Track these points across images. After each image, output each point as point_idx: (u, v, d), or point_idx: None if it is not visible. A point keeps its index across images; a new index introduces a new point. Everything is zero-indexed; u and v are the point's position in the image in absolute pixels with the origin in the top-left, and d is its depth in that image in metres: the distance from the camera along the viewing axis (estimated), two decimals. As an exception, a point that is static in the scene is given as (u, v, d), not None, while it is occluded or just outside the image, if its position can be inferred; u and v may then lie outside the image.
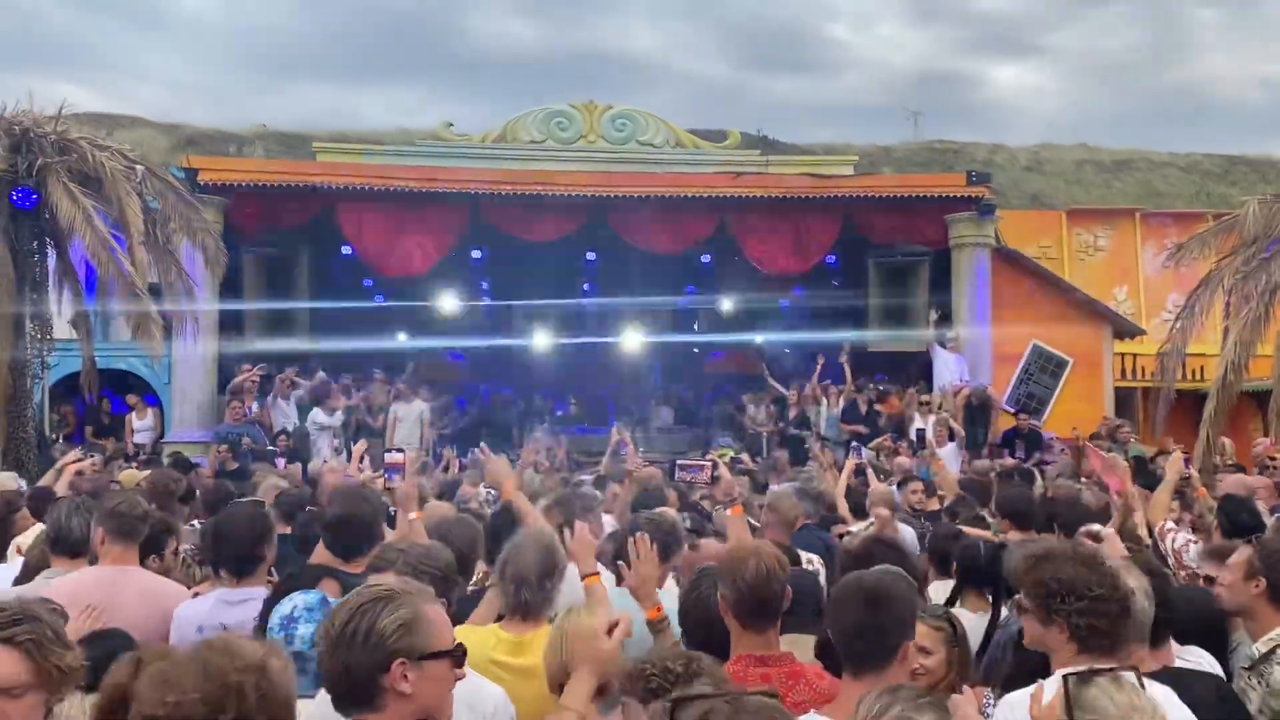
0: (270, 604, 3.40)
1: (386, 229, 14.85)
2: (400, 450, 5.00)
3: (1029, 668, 2.88)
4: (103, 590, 3.79)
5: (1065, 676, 2.28)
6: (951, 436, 12.40)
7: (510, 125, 16.05)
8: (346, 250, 15.49)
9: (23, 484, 8.03)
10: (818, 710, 2.67)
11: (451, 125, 16.42)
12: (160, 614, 3.78)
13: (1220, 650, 3.70)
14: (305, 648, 2.88)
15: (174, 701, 1.75)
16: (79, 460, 7.12)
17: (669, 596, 3.78)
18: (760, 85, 71.83)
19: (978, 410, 13.89)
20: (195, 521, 6.30)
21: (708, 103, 64.60)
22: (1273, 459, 10.25)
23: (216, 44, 70.86)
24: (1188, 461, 6.31)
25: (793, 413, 14.80)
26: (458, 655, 2.18)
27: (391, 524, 4.60)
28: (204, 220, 12.80)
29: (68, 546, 4.33)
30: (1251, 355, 11.83)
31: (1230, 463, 11.56)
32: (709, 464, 5.20)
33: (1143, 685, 2.31)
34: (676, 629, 3.56)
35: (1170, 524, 5.15)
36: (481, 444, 6.48)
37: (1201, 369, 15.28)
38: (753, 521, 5.65)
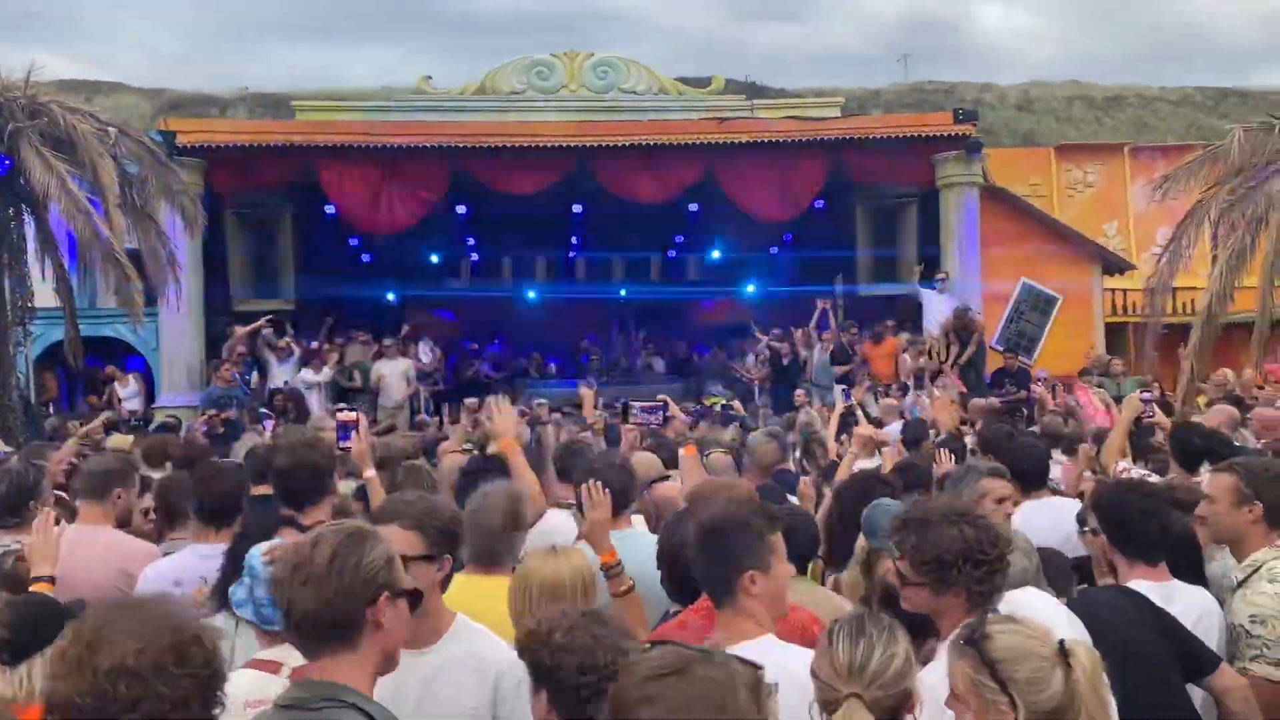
0: (232, 553, 3.38)
1: (368, 186, 14.74)
2: (352, 408, 4.96)
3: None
4: (65, 549, 3.77)
5: (963, 644, 2.18)
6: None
7: (490, 77, 15.86)
8: (330, 209, 15.40)
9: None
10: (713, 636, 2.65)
11: (430, 79, 16.23)
12: (120, 574, 3.76)
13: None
14: None
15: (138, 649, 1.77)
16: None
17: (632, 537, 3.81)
18: (747, 34, 70.92)
19: (960, 333, 13.81)
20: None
21: (694, 53, 63.75)
22: (1260, 387, 10.27)
23: (197, 7, 69.88)
24: (1148, 399, 6.26)
25: (785, 360, 14.77)
26: (418, 598, 2.21)
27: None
28: (182, 182, 12.71)
29: None
30: (1237, 286, 11.76)
31: (1235, 394, 11.44)
32: (661, 404, 5.19)
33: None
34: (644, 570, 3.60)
35: (1124, 464, 5.17)
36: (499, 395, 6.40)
37: (1192, 302, 15.21)
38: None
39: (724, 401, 13.89)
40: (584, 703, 2.21)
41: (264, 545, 3.01)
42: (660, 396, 5.43)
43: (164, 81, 24.08)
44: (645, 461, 5.48)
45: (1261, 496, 3.56)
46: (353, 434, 4.40)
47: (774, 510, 2.87)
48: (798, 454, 7.89)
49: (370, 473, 4.21)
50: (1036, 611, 2.75)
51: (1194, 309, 13.91)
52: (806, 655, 2.63)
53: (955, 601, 2.61)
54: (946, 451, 5.62)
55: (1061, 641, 2.06)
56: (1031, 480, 4.81)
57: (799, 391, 13.56)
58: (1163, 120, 22.92)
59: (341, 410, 4.86)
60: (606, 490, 3.53)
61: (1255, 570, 3.45)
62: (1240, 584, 3.47)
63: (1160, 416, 6.57)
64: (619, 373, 17.94)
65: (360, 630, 2.08)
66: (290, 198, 15.41)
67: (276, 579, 2.15)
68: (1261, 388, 10.16)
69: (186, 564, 3.89)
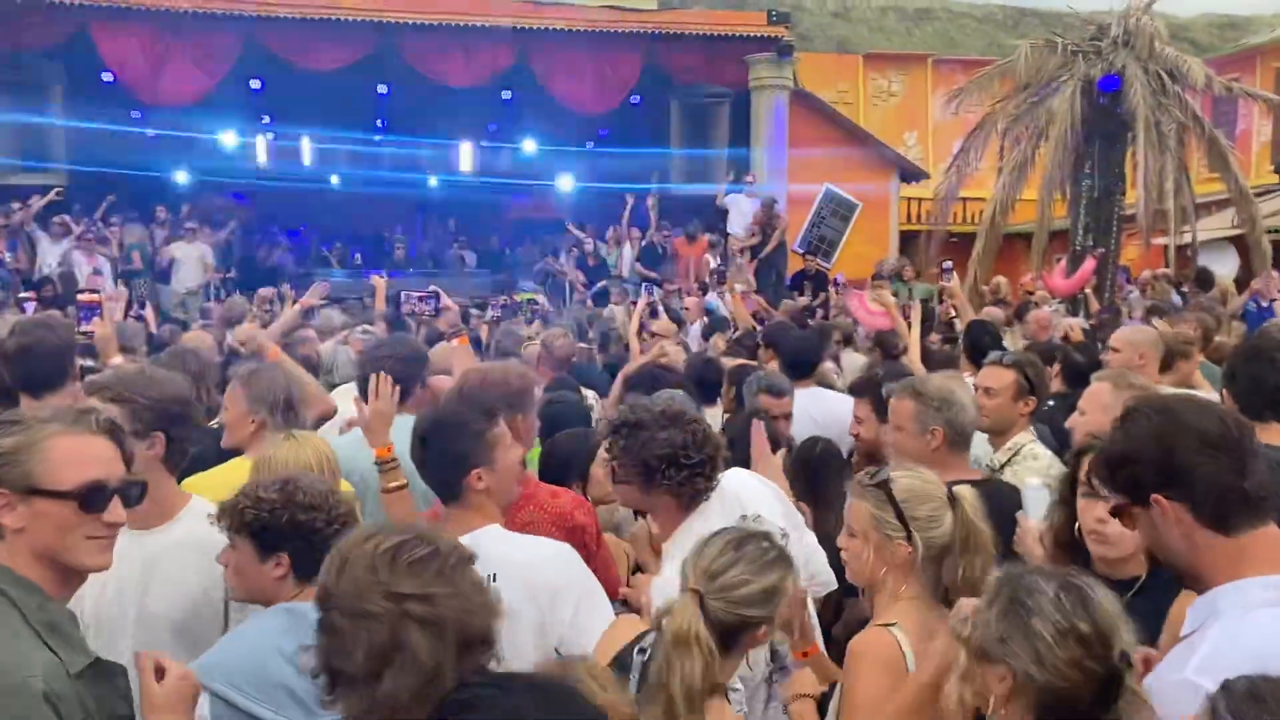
0: None
1: (150, 53, 13.62)
2: (95, 290, 4.59)
3: None
4: None
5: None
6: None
7: (288, -59, 14.71)
8: (108, 77, 14.13)
9: None
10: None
11: (221, -61, 14.93)
12: None
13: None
14: None
15: None
16: None
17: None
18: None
19: (765, 227, 14.17)
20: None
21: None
22: (1030, 293, 10.98)
23: None
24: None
25: (590, 261, 14.85)
26: (79, 498, 1.91)
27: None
28: (-75, 39, 11.34)
29: None
30: (1020, 198, 12.46)
31: (1002, 299, 12.20)
32: (433, 295, 5.08)
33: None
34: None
35: None
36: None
37: (981, 212, 16.04)
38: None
39: (532, 297, 13.84)
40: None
41: None
42: (432, 287, 5.27)
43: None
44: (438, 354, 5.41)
45: (1036, 392, 3.83)
46: (95, 317, 4.06)
47: (492, 406, 2.82)
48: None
49: (117, 359, 3.90)
50: (746, 489, 2.88)
51: (981, 219, 14.70)
52: (531, 544, 2.69)
53: (663, 500, 2.72)
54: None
55: (949, 486, 2.24)
56: (798, 370, 5.03)
57: (614, 290, 13.66)
58: (968, 35, 23.77)
59: (83, 292, 4.46)
60: (396, 386, 3.40)
61: (1017, 452, 3.72)
62: (1005, 464, 3.71)
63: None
64: (429, 265, 17.48)
65: None
66: (61, 62, 14.04)
67: None
68: (1031, 293, 10.84)
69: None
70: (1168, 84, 11.37)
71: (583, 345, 6.92)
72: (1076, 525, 2.44)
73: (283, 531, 2.30)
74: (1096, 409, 3.31)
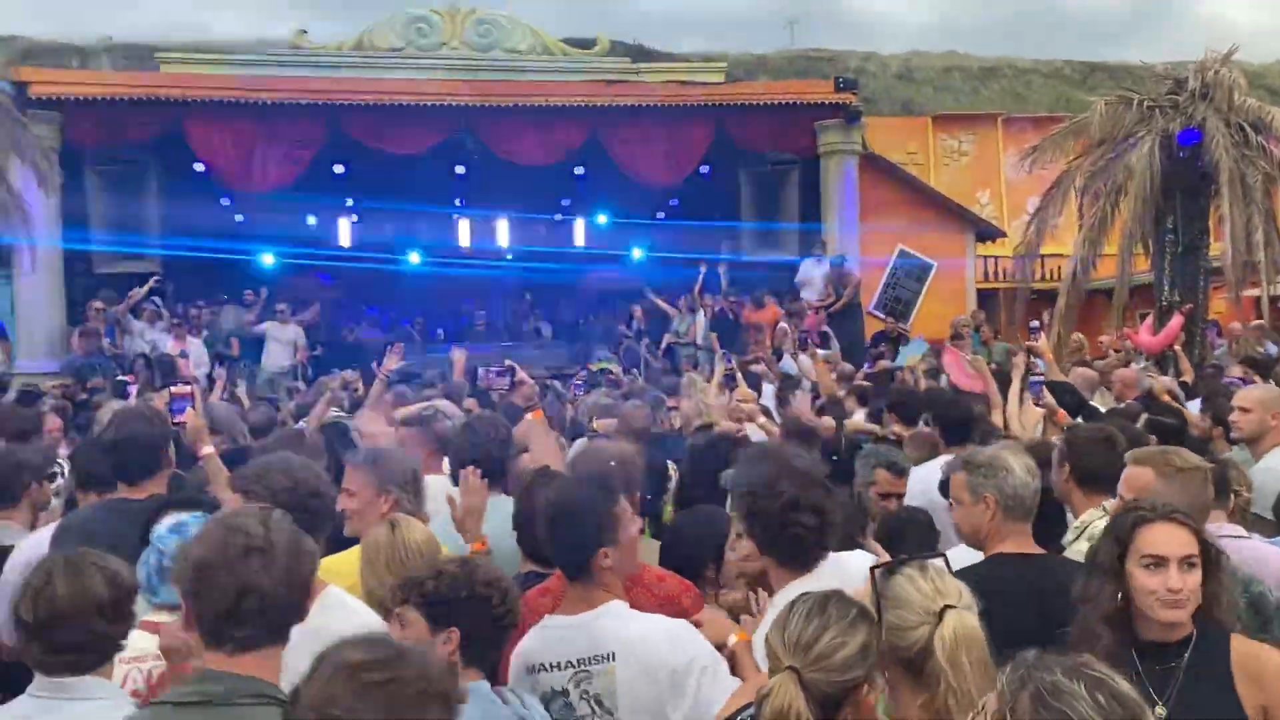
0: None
1: (239, 143, 14.20)
2: (186, 382, 4.71)
3: None
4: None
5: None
6: (824, 343, 12.57)
7: (368, 33, 15.41)
8: (199, 167, 14.78)
9: None
10: (552, 613, 2.75)
11: (305, 33, 15.67)
12: None
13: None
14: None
15: None
16: None
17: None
18: (635, -6, 70.04)
19: (836, 285, 14.12)
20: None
21: (578, 12, 62.27)
22: (1116, 350, 10.75)
23: (57, -51, 65.51)
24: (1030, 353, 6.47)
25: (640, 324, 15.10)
26: None
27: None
28: (35, 137, 12.01)
29: None
30: (1099, 254, 12.27)
31: (1087, 357, 11.93)
32: (508, 369, 5.14)
33: (949, 568, 2.32)
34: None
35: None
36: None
37: (1059, 268, 15.82)
38: None
39: (606, 366, 13.94)
40: (504, 629, 2.44)
41: (171, 520, 2.83)
42: (507, 361, 5.33)
43: (18, 28, 22.61)
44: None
45: (1073, 459, 3.67)
46: (187, 408, 4.18)
47: (612, 484, 2.86)
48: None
49: (207, 449, 4.02)
50: (851, 571, 2.84)
51: (1060, 275, 14.49)
52: (649, 623, 2.70)
53: (770, 557, 2.77)
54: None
55: (945, 608, 2.10)
56: (959, 434, 4.82)
57: (684, 356, 13.73)
58: (1034, 92, 23.70)
59: (175, 384, 4.58)
60: (485, 479, 3.45)
61: (1082, 531, 3.59)
62: (1072, 543, 3.59)
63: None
64: (506, 337, 17.77)
65: (302, 618, 2.00)
66: (156, 154, 14.73)
67: (220, 560, 1.92)
68: (1118, 350, 10.61)
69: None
70: (1251, 135, 11.17)
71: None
72: (1119, 594, 2.44)
73: (460, 604, 2.34)
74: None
